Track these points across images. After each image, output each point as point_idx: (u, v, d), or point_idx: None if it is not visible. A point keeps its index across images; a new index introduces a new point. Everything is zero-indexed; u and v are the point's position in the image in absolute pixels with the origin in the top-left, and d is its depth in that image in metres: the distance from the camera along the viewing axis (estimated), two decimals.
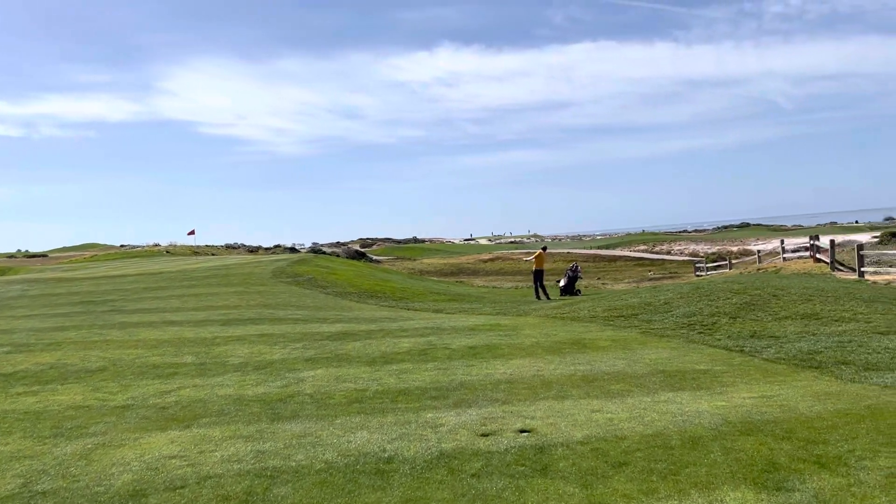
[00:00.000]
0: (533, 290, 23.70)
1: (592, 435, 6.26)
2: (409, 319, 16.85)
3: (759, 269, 24.46)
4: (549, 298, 23.09)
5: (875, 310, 12.65)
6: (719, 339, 11.25)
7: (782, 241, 28.02)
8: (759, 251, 30.23)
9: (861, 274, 17.98)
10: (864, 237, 59.95)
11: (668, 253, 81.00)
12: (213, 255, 70.47)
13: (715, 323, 12.65)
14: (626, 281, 44.56)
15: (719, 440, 5.94)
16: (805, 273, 20.18)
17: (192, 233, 51.79)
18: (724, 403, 7.22)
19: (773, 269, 23.16)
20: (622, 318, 14.03)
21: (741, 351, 10.23)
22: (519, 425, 6.70)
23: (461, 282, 46.24)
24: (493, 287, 38.82)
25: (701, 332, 12.01)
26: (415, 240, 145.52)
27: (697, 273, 38.72)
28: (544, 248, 24.85)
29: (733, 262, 33.03)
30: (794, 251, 27.76)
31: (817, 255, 22.12)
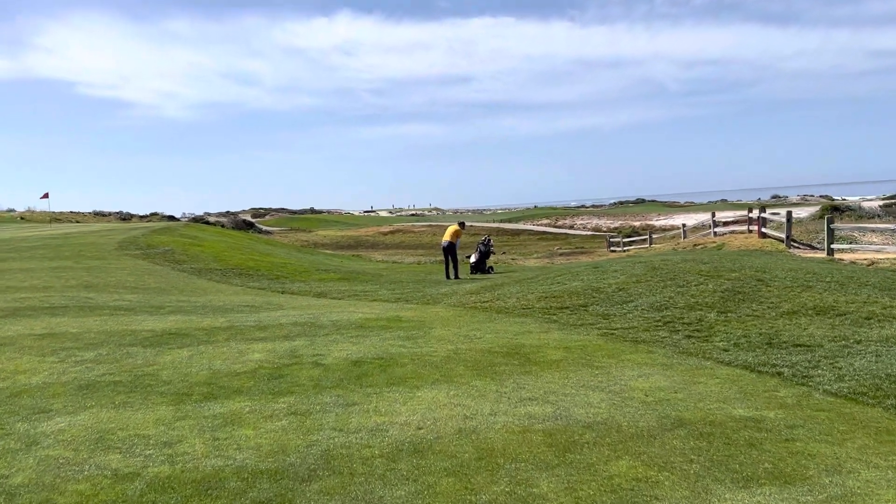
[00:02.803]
0: (444, 267, 19.70)
1: None
2: (277, 309, 12.45)
3: (695, 245, 21.56)
4: (458, 277, 19.20)
5: None
6: (726, 352, 7.58)
7: (713, 214, 25.44)
8: (683, 225, 27.62)
9: (830, 252, 15.10)
10: (740, 213, 59.93)
11: (572, 227, 79.44)
12: (77, 222, 62.70)
13: (701, 320, 9.04)
14: (535, 256, 41.52)
15: None
16: (758, 250, 17.22)
17: (45, 196, 44.43)
18: None
19: (714, 244, 20.25)
20: (567, 311, 10.22)
21: (779, 375, 6.58)
22: None
23: (358, 255, 41.78)
24: (394, 262, 34.66)
25: (690, 337, 8.35)
26: (312, 210, 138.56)
27: (612, 248, 36.04)
28: (462, 224, 20.75)
29: (654, 236, 30.39)
30: (723, 224, 25.19)
31: (763, 230, 19.32)
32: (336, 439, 5.09)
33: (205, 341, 9.14)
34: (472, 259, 22.29)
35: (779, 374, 6.56)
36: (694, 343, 8.05)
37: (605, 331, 8.89)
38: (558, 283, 12.45)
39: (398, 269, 27.03)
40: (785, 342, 7.80)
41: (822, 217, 21.04)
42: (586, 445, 4.81)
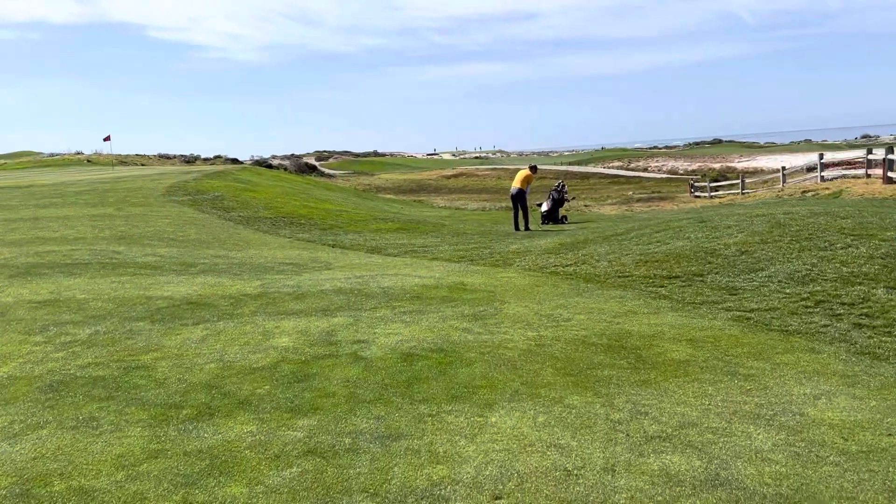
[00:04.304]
0: (513, 217, 17.60)
1: None
2: (323, 269, 10.71)
3: (804, 193, 18.70)
4: (528, 229, 17.09)
5: None
6: None
7: (821, 156, 22.28)
8: (783, 168, 24.50)
9: None
10: (851, 154, 54.85)
11: (645, 170, 75.33)
12: (142, 164, 62.89)
13: (867, 300, 6.74)
14: (610, 202, 38.76)
15: None
16: (890, 198, 14.44)
17: (107, 139, 43.99)
18: None
19: (827, 192, 17.40)
20: (678, 282, 8.04)
21: None
22: None
23: (419, 201, 39.95)
24: (457, 208, 32.66)
25: (860, 326, 6.11)
26: (375, 154, 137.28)
27: (696, 194, 33.00)
28: (533, 168, 18.39)
29: (746, 180, 27.31)
30: (831, 167, 22.07)
31: (890, 174, 16.38)
32: None
33: (227, 314, 7.46)
34: (544, 208, 20.10)
35: None
36: (872, 337, 5.82)
37: (738, 313, 6.71)
38: (658, 241, 10.22)
39: (461, 216, 25.06)
40: None
41: None
42: None
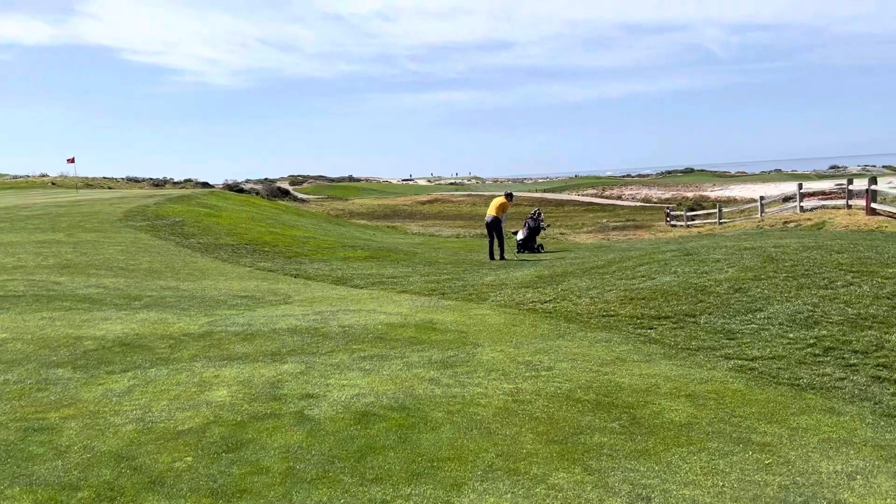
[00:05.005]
0: (488, 246, 16.86)
1: None
2: (280, 303, 9.81)
3: (785, 223, 18.25)
4: (503, 258, 16.37)
5: None
6: None
7: (800, 186, 21.93)
8: (761, 198, 24.14)
9: None
10: (825, 184, 55.22)
11: (619, 198, 75.44)
12: (109, 188, 61.38)
13: (881, 346, 6.05)
14: (586, 230, 38.31)
15: None
16: (876, 230, 13.96)
17: (71, 160, 42.57)
18: None
19: (810, 223, 16.93)
20: (669, 324, 7.29)
21: None
22: None
23: (393, 227, 39.16)
24: (431, 235, 31.90)
25: (880, 379, 5.40)
26: (351, 178, 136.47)
27: (672, 223, 32.62)
28: (509, 196, 17.64)
29: (724, 210, 26.89)
30: (808, 197, 21.70)
31: (874, 205, 15.97)
32: None
33: (163, 359, 6.54)
34: (520, 236, 19.40)
35: None
36: None
37: (739, 362, 5.97)
38: (642, 275, 9.50)
39: (435, 244, 24.27)
40: None
41: None
42: None
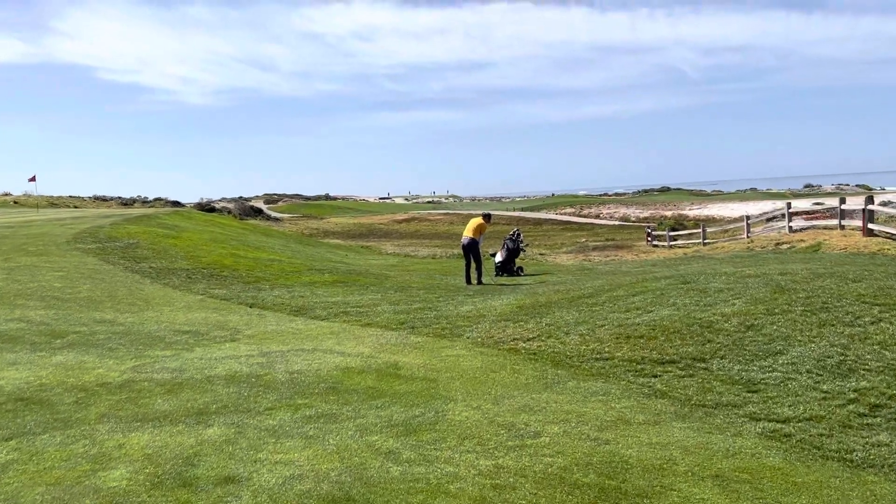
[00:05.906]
0: (465, 270, 15.70)
1: None
2: (225, 339, 8.55)
3: (777, 245, 17.34)
4: (481, 282, 15.24)
5: None
6: None
7: (789, 205, 21.11)
8: (747, 217, 23.31)
9: None
10: (803, 203, 54.98)
11: (597, 217, 74.86)
12: (75, 207, 59.53)
13: None
14: (565, 250, 37.36)
15: None
16: (878, 253, 13.04)
17: (33, 179, 41.01)
18: None
19: (804, 244, 16.03)
20: (676, 370, 6.17)
21: None
22: None
23: (367, 247, 37.92)
24: (406, 255, 30.69)
25: None
26: (327, 197, 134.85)
27: (654, 243, 31.76)
28: (487, 217, 16.53)
29: (708, 230, 26.06)
30: (794, 216, 20.90)
31: (870, 225, 15.12)
32: None
33: (62, 421, 5.29)
34: (498, 258, 18.28)
35: None
36: None
37: (769, 424, 4.84)
38: (637, 307, 8.39)
39: (409, 265, 23.07)
40: None
41: None
42: None
